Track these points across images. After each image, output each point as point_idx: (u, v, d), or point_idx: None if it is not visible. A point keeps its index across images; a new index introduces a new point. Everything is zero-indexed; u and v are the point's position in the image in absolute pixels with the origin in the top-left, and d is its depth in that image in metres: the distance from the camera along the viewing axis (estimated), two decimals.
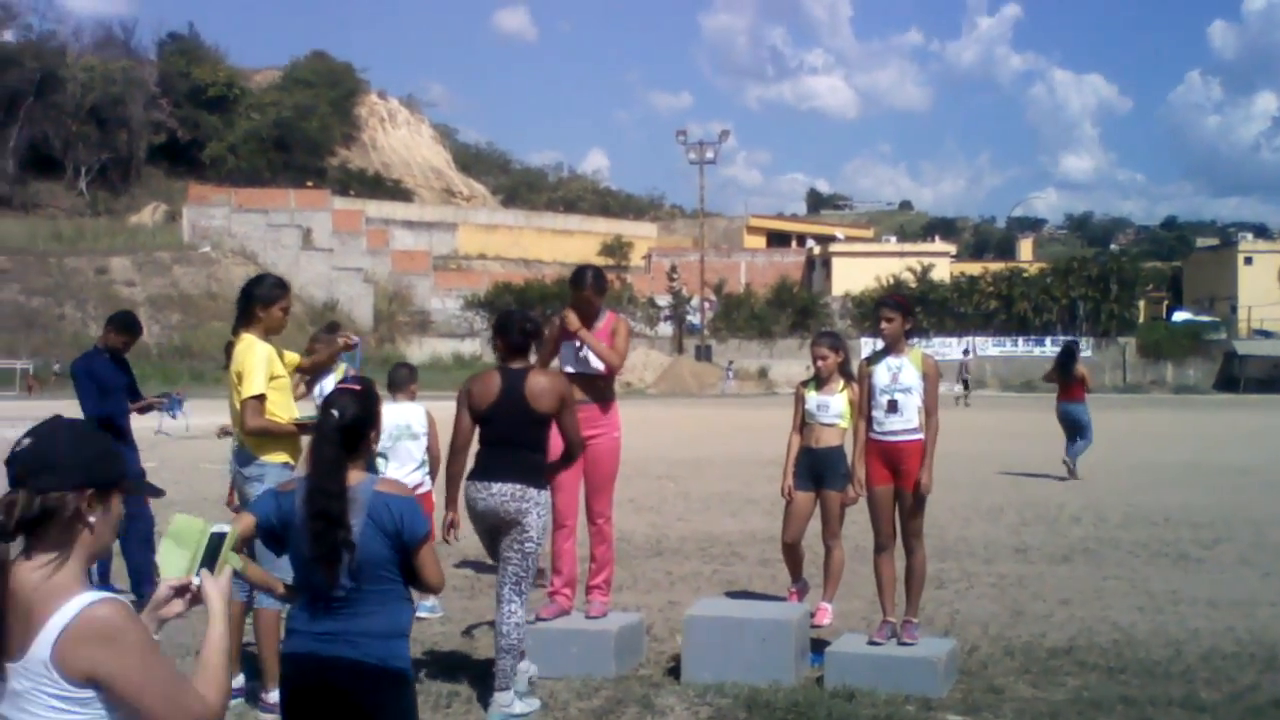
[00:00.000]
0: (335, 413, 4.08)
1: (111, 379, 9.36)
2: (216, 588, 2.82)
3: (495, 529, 6.71)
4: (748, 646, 7.46)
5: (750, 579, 10.84)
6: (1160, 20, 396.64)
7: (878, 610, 7.81)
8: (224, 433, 9.31)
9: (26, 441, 2.66)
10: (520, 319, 6.98)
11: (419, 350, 67.17)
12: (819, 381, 8.87)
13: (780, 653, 7.47)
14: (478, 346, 63.46)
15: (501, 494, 6.60)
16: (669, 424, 33.34)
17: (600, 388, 7.87)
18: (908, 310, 7.83)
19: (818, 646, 7.83)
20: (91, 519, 2.64)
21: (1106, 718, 6.73)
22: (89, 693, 2.53)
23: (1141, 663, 7.87)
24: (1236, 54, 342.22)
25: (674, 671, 7.54)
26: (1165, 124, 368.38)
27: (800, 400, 8.94)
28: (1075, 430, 18.89)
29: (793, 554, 9.18)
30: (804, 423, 8.88)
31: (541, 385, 6.71)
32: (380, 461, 9.03)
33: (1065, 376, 19.26)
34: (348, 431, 4.06)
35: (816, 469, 8.81)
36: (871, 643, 7.51)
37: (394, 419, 9.07)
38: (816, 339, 9.08)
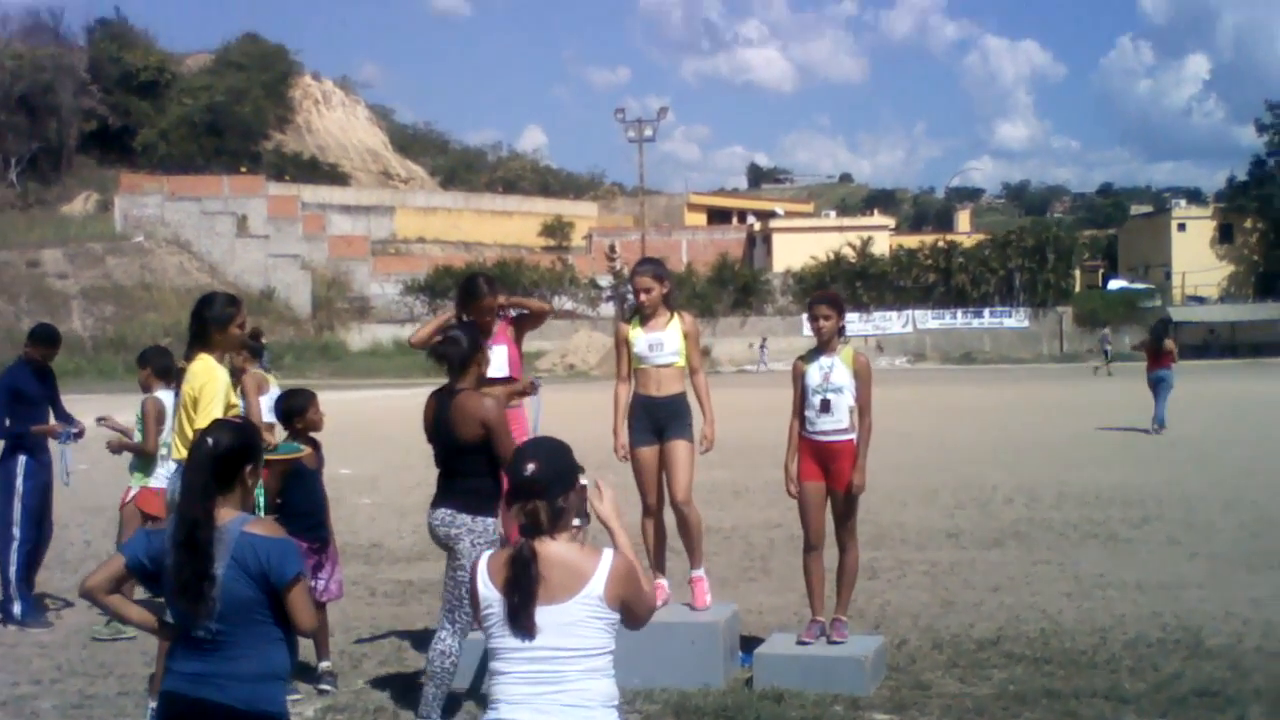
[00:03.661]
0: (210, 441, 4.05)
1: (32, 391, 9.54)
2: (603, 508, 3.82)
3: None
4: (677, 649, 7.44)
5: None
6: None
7: (808, 606, 7.80)
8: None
9: (532, 467, 3.69)
10: (445, 338, 6.83)
11: (359, 337, 66.64)
12: (643, 317, 7.75)
13: (709, 655, 7.47)
14: None
15: (434, 518, 6.63)
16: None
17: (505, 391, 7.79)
18: (842, 307, 7.79)
19: (748, 646, 7.83)
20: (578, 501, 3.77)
21: (1031, 712, 6.77)
22: (617, 614, 3.68)
23: (1067, 653, 7.93)
24: (1166, 18, 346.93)
25: None
26: (1098, 90, 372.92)
27: (625, 342, 7.78)
28: (1161, 391, 22.46)
29: (657, 528, 7.93)
30: (636, 368, 7.76)
31: (461, 412, 6.50)
32: (164, 450, 8.95)
33: (1157, 347, 22.86)
34: (220, 462, 4.01)
35: (657, 419, 7.73)
36: (800, 642, 7.51)
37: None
38: (638, 267, 7.86)
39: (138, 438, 9.19)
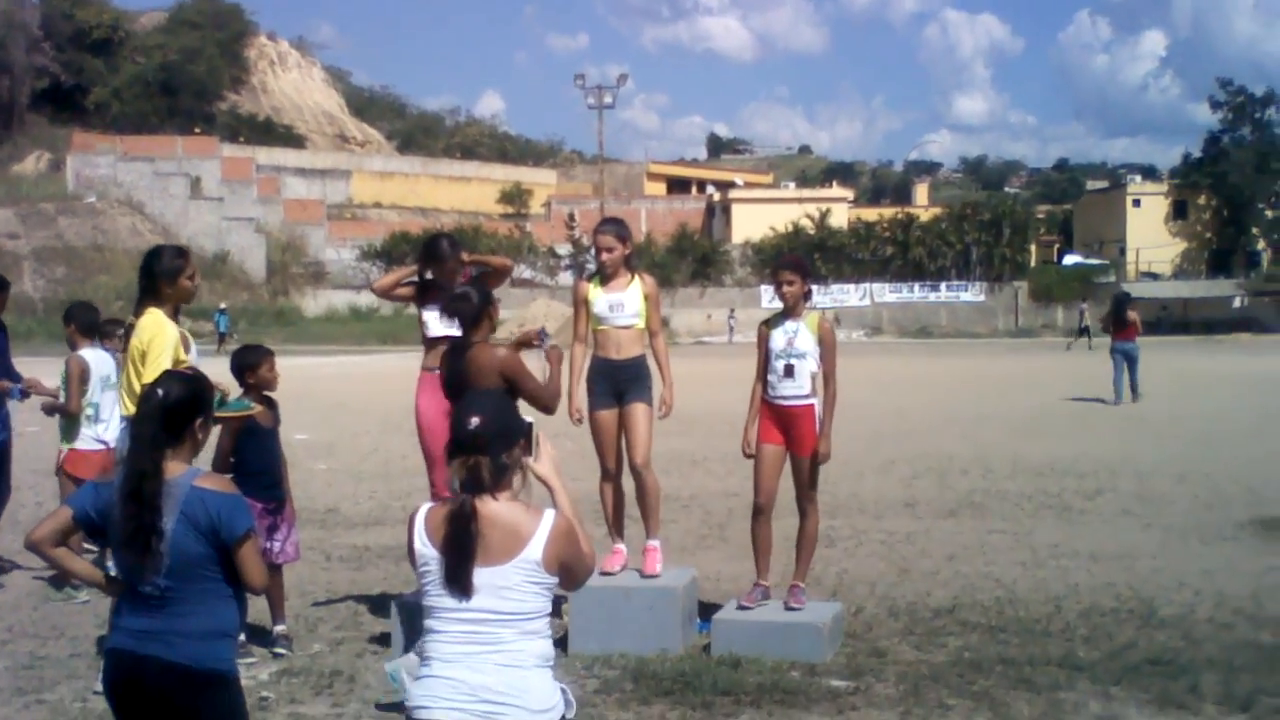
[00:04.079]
0: (160, 392, 3.97)
1: None
2: (540, 467, 3.74)
3: None
4: (635, 615, 7.45)
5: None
6: None
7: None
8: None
9: (476, 421, 3.60)
10: (456, 294, 6.82)
11: (314, 303, 66.12)
12: (603, 278, 7.67)
13: (667, 621, 7.47)
14: (374, 299, 62.50)
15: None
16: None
17: None
18: (807, 271, 7.77)
19: (705, 613, 7.83)
20: (524, 459, 3.70)
21: (986, 679, 6.81)
22: (554, 577, 3.61)
23: (1022, 621, 7.99)
24: None
25: (560, 643, 7.47)
26: (1055, 64, 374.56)
27: (585, 303, 7.68)
28: (1130, 363, 23.29)
29: (616, 492, 7.90)
30: (596, 329, 7.67)
31: (476, 365, 6.49)
32: (90, 410, 8.82)
33: (1119, 321, 23.58)
34: (169, 413, 3.93)
35: (617, 382, 7.62)
36: (741, 606, 7.49)
37: (102, 368, 8.90)
38: (601, 226, 7.79)
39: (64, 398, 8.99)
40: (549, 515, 3.62)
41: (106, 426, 8.85)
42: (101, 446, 8.82)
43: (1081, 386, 26.29)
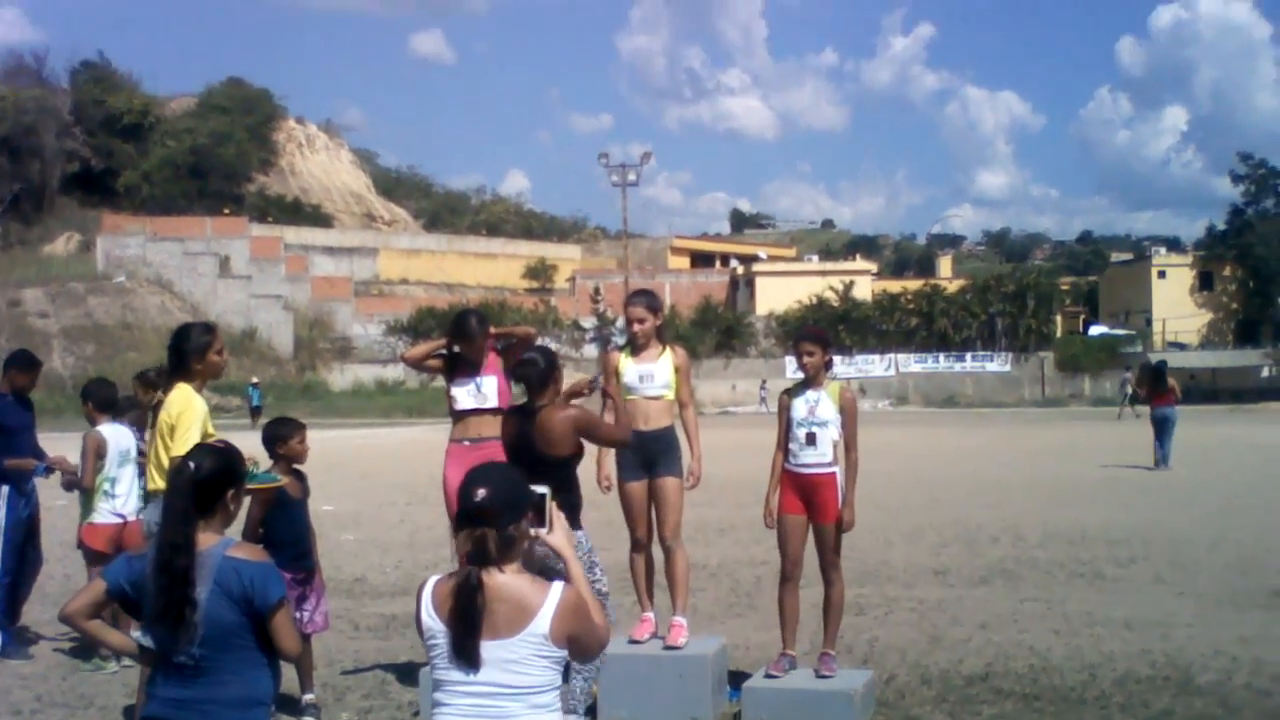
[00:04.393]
0: (191, 465, 4.00)
1: (15, 420, 9.37)
2: (553, 538, 3.67)
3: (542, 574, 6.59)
4: (665, 683, 7.40)
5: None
6: (1070, 37, 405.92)
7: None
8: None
9: (482, 493, 3.54)
10: (522, 359, 6.89)
11: (340, 377, 66.50)
12: (634, 348, 7.76)
13: (697, 689, 7.41)
14: (400, 372, 62.85)
15: None
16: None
17: (495, 423, 7.75)
18: (827, 342, 7.80)
19: (734, 682, 7.76)
20: (531, 532, 3.64)
21: None
22: (563, 651, 3.55)
23: (1057, 689, 7.89)
24: (1145, 69, 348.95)
25: (591, 710, 7.42)
26: (1077, 140, 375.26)
27: (615, 373, 7.73)
28: (1166, 429, 23.63)
29: (646, 563, 7.93)
30: (625, 399, 7.67)
31: (549, 428, 6.52)
32: (107, 484, 8.85)
33: (1158, 387, 24.34)
34: (201, 487, 3.97)
35: (647, 453, 7.62)
36: (768, 675, 7.44)
37: (121, 443, 8.95)
38: (632, 298, 7.86)
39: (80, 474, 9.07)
40: (556, 588, 3.57)
41: (125, 500, 8.94)
42: (118, 519, 8.89)
43: (1113, 454, 26.13)
